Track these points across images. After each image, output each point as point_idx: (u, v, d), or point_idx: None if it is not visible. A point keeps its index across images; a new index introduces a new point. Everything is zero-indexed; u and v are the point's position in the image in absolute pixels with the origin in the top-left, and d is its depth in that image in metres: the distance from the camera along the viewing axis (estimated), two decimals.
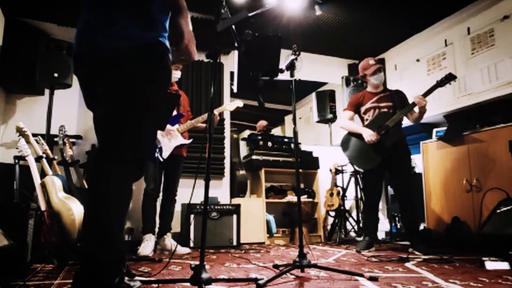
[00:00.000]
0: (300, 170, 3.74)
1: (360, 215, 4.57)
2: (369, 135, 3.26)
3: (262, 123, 5.21)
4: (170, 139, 3.23)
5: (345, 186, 4.61)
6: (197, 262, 1.61)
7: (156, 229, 3.31)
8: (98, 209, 1.31)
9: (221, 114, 3.56)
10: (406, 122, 3.53)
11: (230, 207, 3.88)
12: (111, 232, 1.30)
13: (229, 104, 3.54)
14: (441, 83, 3.18)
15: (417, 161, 4.41)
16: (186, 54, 1.34)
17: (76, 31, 1.41)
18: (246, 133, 6.06)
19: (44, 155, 2.94)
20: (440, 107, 4.30)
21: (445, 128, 4.06)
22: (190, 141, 3.36)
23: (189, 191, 1.99)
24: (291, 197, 4.59)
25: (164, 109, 2.86)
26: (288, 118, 7.47)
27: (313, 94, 5.21)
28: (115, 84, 1.33)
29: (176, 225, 3.74)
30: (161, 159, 3.15)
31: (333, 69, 5.45)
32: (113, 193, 1.32)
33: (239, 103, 3.56)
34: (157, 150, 3.13)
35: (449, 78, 3.16)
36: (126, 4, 1.33)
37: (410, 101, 3.28)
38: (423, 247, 3.05)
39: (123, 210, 1.38)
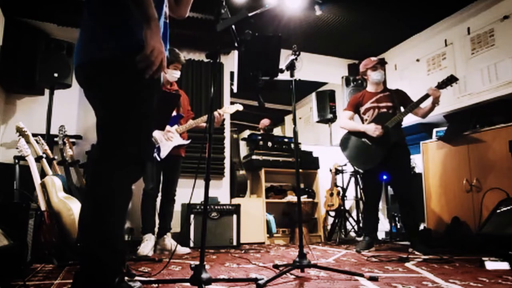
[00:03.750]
0: (300, 170, 3.73)
1: (360, 215, 4.57)
2: (373, 129, 3.25)
3: (265, 121, 5.19)
4: (168, 140, 3.23)
5: (345, 186, 4.61)
6: (197, 262, 1.61)
7: (156, 229, 3.31)
8: (99, 209, 1.31)
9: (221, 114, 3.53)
10: (405, 122, 3.52)
11: (230, 207, 3.88)
12: (112, 233, 1.31)
13: (229, 107, 3.51)
14: (442, 85, 3.16)
15: (417, 161, 4.40)
16: (146, 63, 1.32)
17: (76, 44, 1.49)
18: (246, 133, 6.06)
19: (44, 155, 2.94)
20: (440, 107, 4.23)
21: (445, 128, 4.05)
22: (188, 142, 3.36)
23: (189, 191, 1.99)
24: (291, 197, 4.59)
25: (164, 110, 2.87)
26: (288, 118, 7.47)
27: (313, 94, 5.21)
28: (112, 90, 1.37)
29: (176, 225, 3.74)
30: (158, 159, 3.15)
31: (333, 69, 5.45)
32: (114, 193, 1.33)
33: (239, 106, 3.52)
34: (155, 149, 3.13)
35: (451, 80, 3.14)
36: (114, 15, 1.38)
37: (414, 99, 3.27)
38: (423, 247, 3.05)
39: (123, 210, 1.40)
